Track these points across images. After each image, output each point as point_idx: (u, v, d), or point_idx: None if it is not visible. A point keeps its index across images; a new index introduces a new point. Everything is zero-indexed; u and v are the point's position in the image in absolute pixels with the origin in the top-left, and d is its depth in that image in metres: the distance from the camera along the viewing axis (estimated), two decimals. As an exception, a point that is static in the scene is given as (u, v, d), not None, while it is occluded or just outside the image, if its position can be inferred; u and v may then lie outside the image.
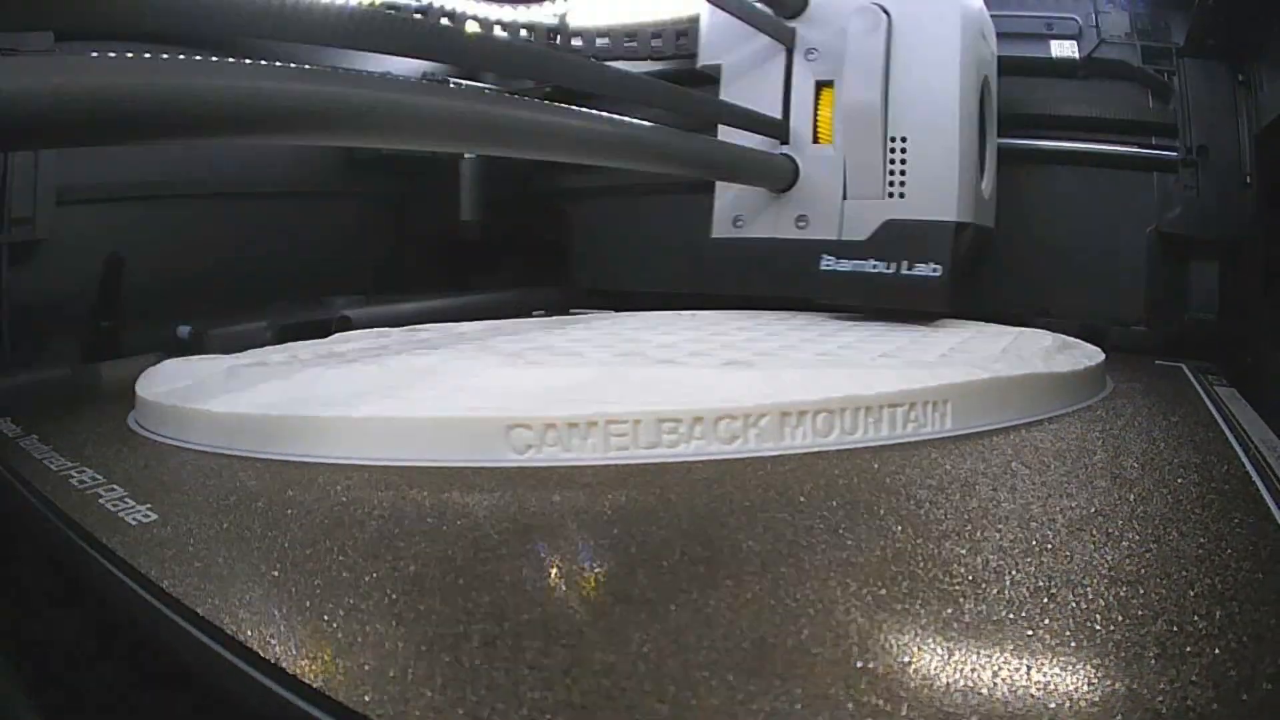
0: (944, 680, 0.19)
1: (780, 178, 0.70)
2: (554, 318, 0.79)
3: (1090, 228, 0.79)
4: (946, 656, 0.20)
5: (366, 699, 0.19)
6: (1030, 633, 0.21)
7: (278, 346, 0.53)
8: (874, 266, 0.65)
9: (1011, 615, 0.22)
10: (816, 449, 0.38)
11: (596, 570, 0.27)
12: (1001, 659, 0.20)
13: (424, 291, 0.86)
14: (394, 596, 0.24)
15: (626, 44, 0.86)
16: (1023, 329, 0.62)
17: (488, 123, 0.43)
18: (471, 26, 0.82)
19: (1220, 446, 0.40)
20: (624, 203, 0.97)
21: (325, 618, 0.23)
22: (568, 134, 0.48)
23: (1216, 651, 0.20)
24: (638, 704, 0.18)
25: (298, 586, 0.25)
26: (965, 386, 0.42)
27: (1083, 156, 0.79)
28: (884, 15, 0.65)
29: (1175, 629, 0.22)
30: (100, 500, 0.32)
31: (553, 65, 0.58)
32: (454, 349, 0.49)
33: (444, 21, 0.80)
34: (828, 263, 0.67)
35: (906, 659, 0.20)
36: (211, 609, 0.23)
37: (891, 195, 0.65)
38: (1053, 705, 0.18)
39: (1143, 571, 0.25)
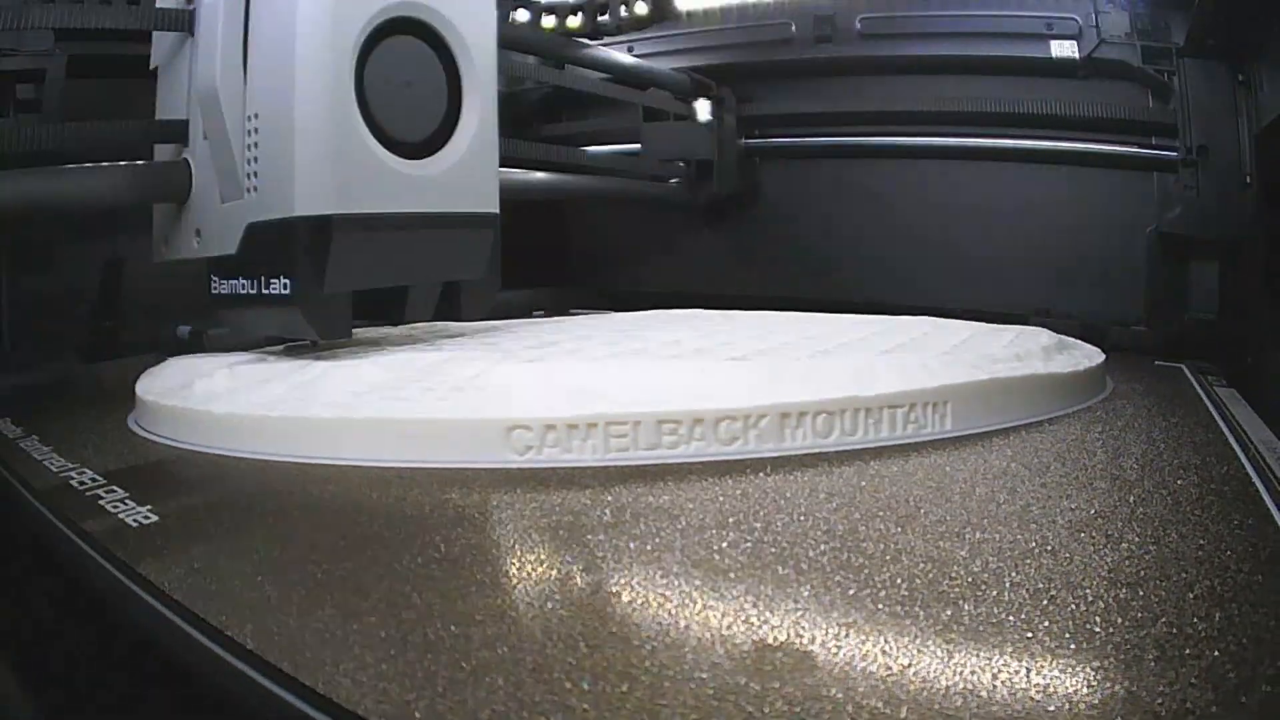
0: (943, 683, 0.19)
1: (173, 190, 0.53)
2: (554, 318, 0.79)
3: (1090, 228, 0.79)
4: (946, 659, 0.20)
5: (366, 700, 0.19)
6: (1030, 635, 0.21)
7: (278, 346, 0.53)
8: (244, 287, 0.49)
9: (1011, 617, 0.22)
10: (816, 450, 0.38)
11: (598, 573, 0.27)
12: (1001, 661, 0.20)
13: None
14: (396, 599, 0.24)
15: None
16: (1023, 327, 0.62)
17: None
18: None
19: (1220, 448, 0.40)
20: (624, 203, 0.97)
21: (326, 619, 0.23)
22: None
23: (1216, 654, 0.20)
24: (642, 707, 0.19)
25: (298, 589, 0.25)
26: (965, 387, 0.42)
27: (1083, 156, 0.79)
28: None
29: (1174, 631, 0.22)
30: (101, 502, 0.32)
31: None
32: (454, 349, 0.49)
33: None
34: (218, 286, 0.51)
35: (906, 661, 0.20)
36: (212, 611, 0.23)
37: (250, 192, 0.48)
38: (1052, 708, 0.18)
39: (1142, 573, 0.25)
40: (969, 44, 0.83)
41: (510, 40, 0.78)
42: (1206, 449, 0.40)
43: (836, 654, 0.21)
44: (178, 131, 0.53)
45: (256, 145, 0.48)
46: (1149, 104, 0.77)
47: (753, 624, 0.22)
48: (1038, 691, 0.19)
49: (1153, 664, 0.20)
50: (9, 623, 0.35)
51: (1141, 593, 0.24)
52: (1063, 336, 0.58)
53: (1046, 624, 0.22)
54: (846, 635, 0.22)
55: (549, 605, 0.24)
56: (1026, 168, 0.83)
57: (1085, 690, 0.19)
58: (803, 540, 0.28)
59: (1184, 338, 0.71)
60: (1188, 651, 0.21)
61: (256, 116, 0.48)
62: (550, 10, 0.83)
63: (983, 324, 0.65)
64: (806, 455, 0.37)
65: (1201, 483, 0.35)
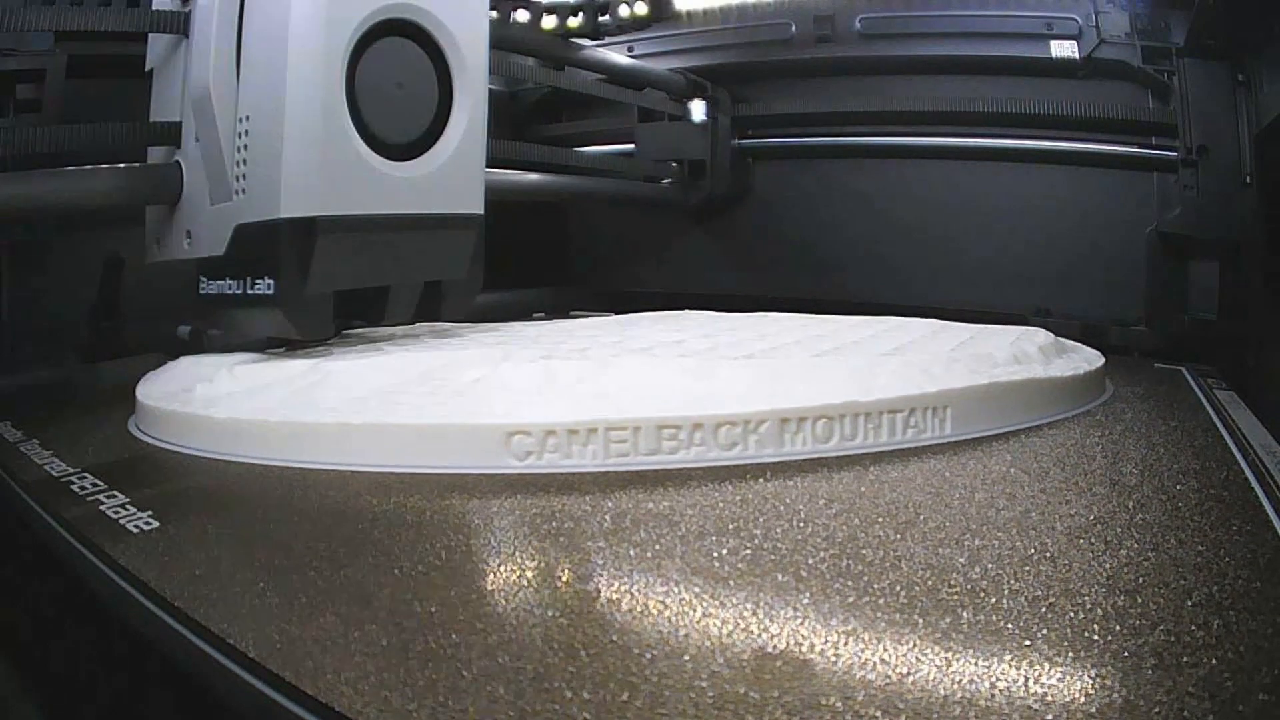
0: (942, 691, 0.19)
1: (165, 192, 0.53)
2: (554, 320, 0.79)
3: (1090, 228, 0.79)
4: (945, 667, 0.21)
5: (368, 709, 0.19)
6: (1028, 643, 0.22)
7: (278, 349, 0.53)
8: (230, 287, 0.50)
9: (1009, 625, 0.22)
10: (816, 455, 0.38)
11: (599, 581, 0.27)
12: (999, 669, 0.20)
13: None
14: (397, 606, 0.24)
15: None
16: (1023, 329, 0.62)
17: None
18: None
19: (1220, 452, 0.40)
20: (623, 203, 0.97)
21: (327, 627, 0.23)
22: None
23: (1214, 662, 0.20)
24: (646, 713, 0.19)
25: (300, 596, 0.25)
26: (965, 392, 0.42)
27: (1083, 156, 0.79)
28: None
29: (1173, 639, 0.22)
30: (101, 507, 0.32)
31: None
32: (454, 352, 0.49)
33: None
34: (206, 287, 0.51)
35: (904, 669, 0.20)
36: (213, 617, 0.23)
37: (239, 194, 0.49)
38: (1050, 716, 0.18)
39: (1141, 580, 0.25)
40: (968, 44, 0.83)
41: (508, 41, 0.78)
42: (1206, 453, 0.40)
43: (836, 662, 0.21)
44: (170, 133, 0.54)
45: (247, 148, 0.48)
46: (1149, 104, 0.77)
47: (752, 632, 0.22)
48: (1036, 700, 0.19)
49: (1150, 672, 0.20)
50: (9, 629, 0.35)
51: (1140, 600, 0.24)
52: (1062, 339, 0.58)
53: (1045, 632, 0.22)
54: (846, 643, 0.22)
55: (550, 613, 0.24)
56: (1026, 168, 0.83)
57: (1083, 698, 0.19)
58: (802, 547, 0.28)
59: (1184, 338, 0.71)
60: (1185, 660, 0.21)
61: (248, 119, 0.48)
62: (551, 10, 0.83)
63: (982, 325, 0.65)
64: (806, 460, 0.37)
65: (1201, 488, 0.35)
